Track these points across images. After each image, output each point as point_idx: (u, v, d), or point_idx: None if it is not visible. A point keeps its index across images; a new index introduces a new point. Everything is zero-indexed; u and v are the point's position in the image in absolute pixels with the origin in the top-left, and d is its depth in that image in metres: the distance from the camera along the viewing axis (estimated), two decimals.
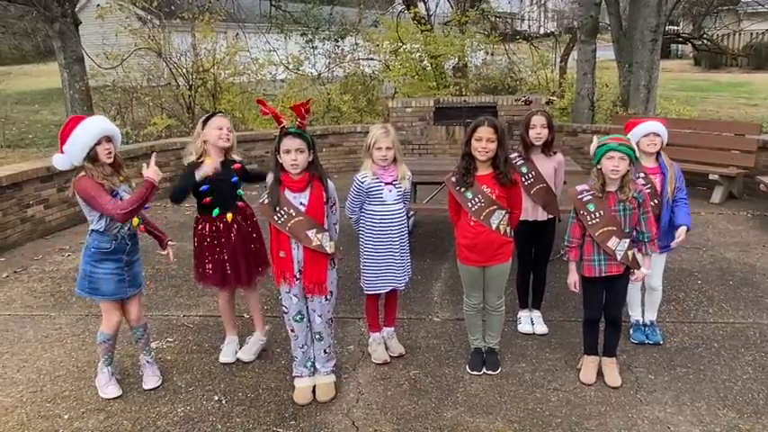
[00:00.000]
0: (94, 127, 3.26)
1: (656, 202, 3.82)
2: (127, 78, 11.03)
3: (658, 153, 3.89)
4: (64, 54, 10.14)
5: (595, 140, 3.46)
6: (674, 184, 3.85)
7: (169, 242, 3.74)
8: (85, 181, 3.24)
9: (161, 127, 10.05)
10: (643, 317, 4.13)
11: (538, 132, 3.99)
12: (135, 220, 3.38)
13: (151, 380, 3.62)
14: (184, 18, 11.56)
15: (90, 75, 10.70)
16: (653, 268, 3.95)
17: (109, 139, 3.31)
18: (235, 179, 3.65)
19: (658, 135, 3.83)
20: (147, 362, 3.67)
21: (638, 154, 3.79)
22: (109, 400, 3.48)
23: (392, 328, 3.98)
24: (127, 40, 11.12)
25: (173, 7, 12.65)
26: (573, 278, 3.57)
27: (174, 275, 5.37)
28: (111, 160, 3.32)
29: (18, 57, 20.57)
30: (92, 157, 3.24)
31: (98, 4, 11.95)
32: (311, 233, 3.26)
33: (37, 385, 3.66)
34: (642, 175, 3.83)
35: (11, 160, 9.51)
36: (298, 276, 3.33)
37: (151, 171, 3.27)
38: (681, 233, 3.85)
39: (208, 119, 3.67)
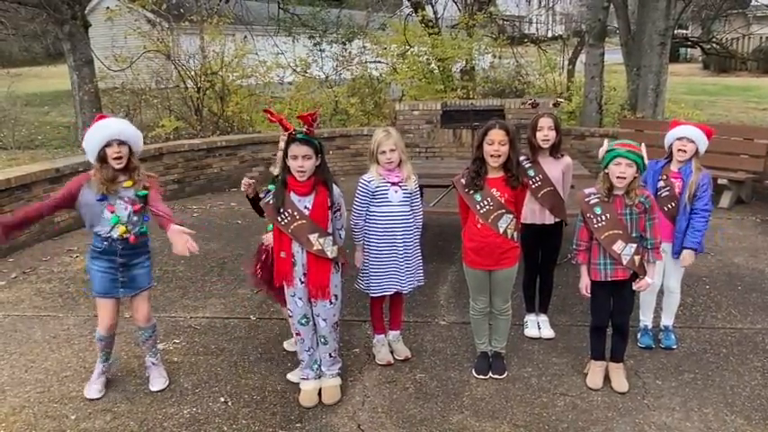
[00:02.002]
0: (106, 128, 3.30)
1: (671, 205, 3.80)
2: (135, 80, 11.07)
3: (690, 159, 3.81)
4: (73, 56, 10.22)
5: (606, 144, 3.45)
6: (692, 190, 3.79)
7: (175, 225, 3.17)
8: (75, 178, 3.34)
9: (169, 129, 10.09)
10: (654, 321, 4.11)
11: (545, 134, 3.97)
12: (121, 228, 3.33)
13: (158, 381, 3.63)
14: (193, 21, 11.62)
15: (99, 77, 10.77)
16: (673, 270, 3.95)
17: (122, 142, 3.29)
18: None
19: (692, 141, 3.76)
20: (153, 363, 3.68)
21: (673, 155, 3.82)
22: (115, 401, 3.49)
23: (398, 332, 3.98)
24: (136, 42, 11.18)
25: (182, 10, 12.72)
26: (585, 282, 3.56)
27: (182, 277, 5.39)
28: (122, 165, 3.31)
29: (28, 58, 20.71)
30: (101, 157, 3.28)
31: (107, 7, 12.04)
32: (313, 237, 3.26)
33: (44, 385, 3.67)
34: (664, 177, 3.82)
35: (20, 161, 9.57)
36: (302, 280, 3.33)
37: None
38: (684, 258, 3.82)
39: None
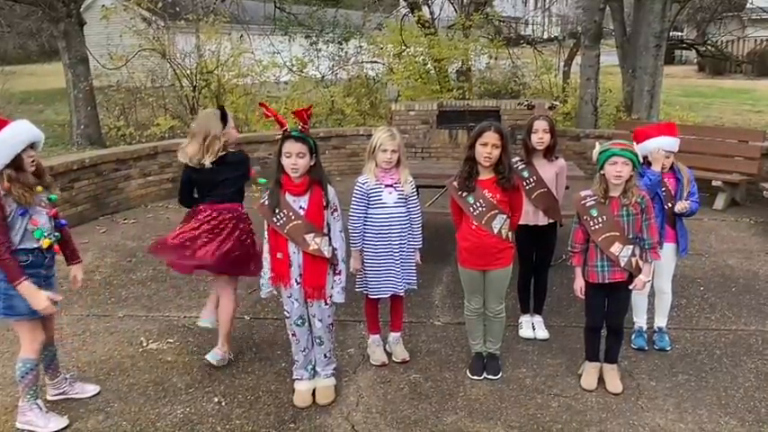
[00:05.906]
0: (26, 131, 3.02)
1: (669, 205, 3.83)
2: (131, 79, 11.06)
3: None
4: (68, 54, 10.18)
5: (597, 146, 3.46)
6: (688, 189, 3.86)
7: (76, 264, 3.43)
8: None
9: (164, 128, 10.08)
10: (648, 322, 4.11)
11: (540, 137, 3.99)
12: (46, 242, 3.10)
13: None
14: (189, 19, 11.60)
15: (94, 75, 10.74)
16: (663, 271, 3.96)
17: (33, 146, 3.07)
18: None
19: (670, 150, 3.83)
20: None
21: (650, 158, 3.79)
22: (108, 400, 3.46)
23: (398, 334, 3.95)
24: (131, 40, 11.15)
25: (177, 9, 12.70)
26: (579, 284, 3.56)
27: (175, 276, 5.34)
28: (33, 169, 3.09)
29: (23, 56, 20.62)
30: (16, 164, 2.98)
31: (103, 5, 12.00)
32: (309, 237, 3.25)
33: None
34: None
35: None
36: (298, 281, 3.32)
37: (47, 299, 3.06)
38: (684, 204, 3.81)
39: (224, 116, 3.65)
